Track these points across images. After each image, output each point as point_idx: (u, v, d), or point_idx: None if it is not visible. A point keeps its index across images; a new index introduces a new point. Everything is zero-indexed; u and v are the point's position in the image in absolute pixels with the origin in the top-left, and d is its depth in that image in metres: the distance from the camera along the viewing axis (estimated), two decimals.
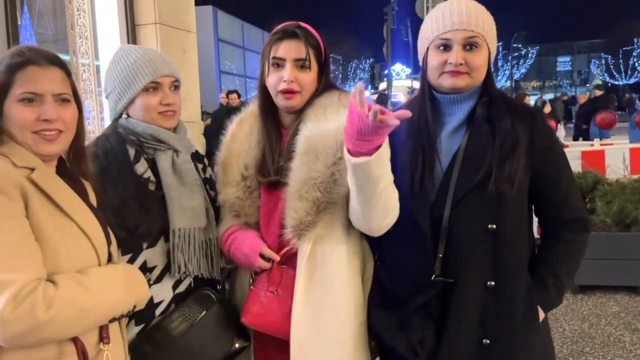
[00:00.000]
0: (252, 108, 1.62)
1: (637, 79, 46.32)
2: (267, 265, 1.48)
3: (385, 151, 1.28)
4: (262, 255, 1.48)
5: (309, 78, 1.49)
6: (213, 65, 19.00)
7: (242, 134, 1.58)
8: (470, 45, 1.43)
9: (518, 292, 1.45)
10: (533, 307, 1.47)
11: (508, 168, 1.41)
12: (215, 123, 7.67)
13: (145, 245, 1.45)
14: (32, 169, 1.12)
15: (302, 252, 1.44)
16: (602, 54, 49.83)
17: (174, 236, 1.45)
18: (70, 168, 1.25)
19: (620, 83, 47.15)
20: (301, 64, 1.47)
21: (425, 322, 1.44)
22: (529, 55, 51.50)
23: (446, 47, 1.44)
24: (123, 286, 1.18)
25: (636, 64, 46.17)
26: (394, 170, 1.44)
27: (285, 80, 1.46)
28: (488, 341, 1.43)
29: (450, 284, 1.43)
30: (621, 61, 47.29)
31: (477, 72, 1.45)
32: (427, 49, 1.49)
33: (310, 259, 1.43)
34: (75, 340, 1.11)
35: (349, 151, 1.28)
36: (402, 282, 1.48)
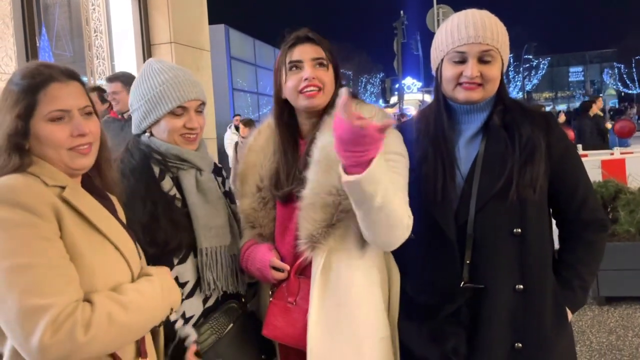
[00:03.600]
0: (269, 121, 1.62)
1: None
2: (281, 275, 1.47)
3: (376, 169, 1.20)
4: (275, 267, 1.47)
5: (329, 76, 1.47)
6: (226, 83, 19.17)
7: (259, 146, 1.59)
8: (485, 58, 1.44)
9: (546, 294, 1.46)
10: (561, 308, 1.49)
11: (529, 174, 1.42)
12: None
13: (176, 261, 1.45)
14: (63, 187, 1.11)
15: (316, 264, 1.42)
16: (614, 64, 49.45)
17: (202, 255, 1.47)
18: (95, 182, 1.25)
19: (634, 92, 46.64)
20: (320, 62, 1.46)
21: (457, 330, 1.44)
22: (541, 66, 51.31)
23: (461, 60, 1.45)
24: (160, 296, 1.17)
25: None
26: (413, 179, 1.43)
27: (306, 79, 1.43)
28: (520, 345, 1.43)
29: (479, 290, 1.42)
30: (634, 70, 46.86)
31: (491, 83, 1.46)
32: (442, 60, 1.49)
33: (324, 271, 1.41)
34: (113, 356, 1.11)
35: (343, 168, 1.23)
36: (430, 291, 1.47)
